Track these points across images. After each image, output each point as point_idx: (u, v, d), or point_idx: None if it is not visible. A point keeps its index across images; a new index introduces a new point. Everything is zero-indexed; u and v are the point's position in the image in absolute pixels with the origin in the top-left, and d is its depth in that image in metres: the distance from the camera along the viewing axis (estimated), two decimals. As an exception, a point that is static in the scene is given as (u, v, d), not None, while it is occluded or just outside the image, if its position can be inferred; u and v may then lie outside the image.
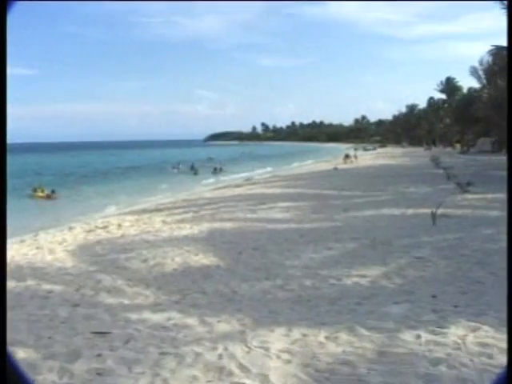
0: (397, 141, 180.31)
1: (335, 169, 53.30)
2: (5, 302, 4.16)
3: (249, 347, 7.00)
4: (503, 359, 6.42)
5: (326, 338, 7.28)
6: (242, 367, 6.37)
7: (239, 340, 7.29)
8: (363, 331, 7.46)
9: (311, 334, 7.45)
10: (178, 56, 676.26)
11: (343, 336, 7.32)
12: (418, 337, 7.20)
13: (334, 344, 7.06)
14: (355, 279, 10.87)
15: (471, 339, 7.14)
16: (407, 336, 7.23)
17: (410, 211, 20.20)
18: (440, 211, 17.73)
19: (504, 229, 15.84)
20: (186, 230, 17.89)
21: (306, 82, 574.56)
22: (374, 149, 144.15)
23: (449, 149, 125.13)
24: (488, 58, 75.16)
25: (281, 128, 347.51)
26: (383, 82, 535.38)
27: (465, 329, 7.55)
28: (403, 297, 9.59)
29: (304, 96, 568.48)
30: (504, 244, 14.09)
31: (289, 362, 6.52)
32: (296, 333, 7.51)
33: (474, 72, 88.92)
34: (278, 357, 6.67)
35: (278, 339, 7.27)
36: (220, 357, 6.71)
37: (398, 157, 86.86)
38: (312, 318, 8.33)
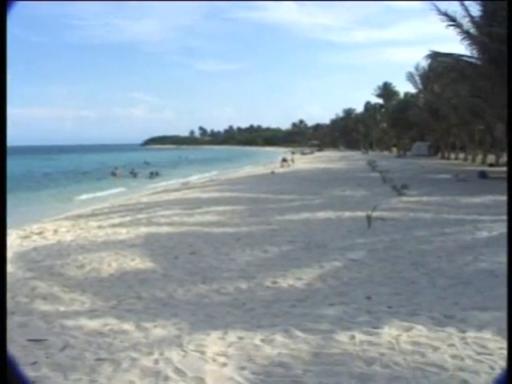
0: (334, 145, 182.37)
1: (272, 173, 53.32)
2: (5, 302, 4.12)
3: (185, 351, 7.00)
4: (435, 357, 6.59)
5: (262, 340, 7.33)
6: (178, 371, 6.37)
7: (175, 344, 7.28)
8: (298, 333, 7.53)
9: (247, 336, 7.49)
10: (116, 59, 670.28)
11: (279, 338, 7.38)
12: (353, 337, 7.31)
13: (269, 346, 7.11)
14: (291, 282, 10.98)
15: (404, 339, 7.29)
16: (342, 337, 7.33)
17: (346, 214, 20.39)
18: (375, 214, 17.97)
19: (437, 230, 16.23)
20: (123, 234, 17.75)
21: (243, 86, 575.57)
22: (312, 153, 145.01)
23: (385, 152, 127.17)
24: (424, 64, 76.60)
25: (219, 132, 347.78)
26: (321, 86, 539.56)
27: (398, 329, 7.69)
28: (338, 298, 9.72)
29: (242, 100, 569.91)
30: (437, 245, 14.42)
31: (225, 365, 6.55)
32: (232, 336, 7.55)
33: (410, 77, 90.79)
34: (214, 360, 6.69)
35: (214, 343, 7.29)
36: (156, 361, 6.70)
37: (335, 160, 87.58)
38: (248, 321, 8.38)
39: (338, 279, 11.20)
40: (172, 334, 7.87)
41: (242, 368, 6.43)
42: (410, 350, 6.88)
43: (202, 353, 6.93)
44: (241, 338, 7.44)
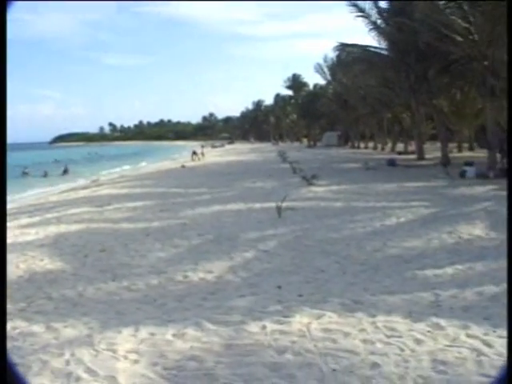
0: (245, 137, 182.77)
1: (183, 167, 53.04)
2: (5, 302, 4.04)
3: (96, 350, 6.91)
4: (346, 342, 6.70)
5: (174, 335, 7.31)
6: (89, 371, 6.29)
7: (86, 344, 7.17)
8: (210, 326, 7.54)
9: (159, 332, 7.44)
10: (20, 55, 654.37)
11: (190, 332, 7.37)
12: (264, 327, 7.37)
13: (181, 341, 7.10)
14: (201, 275, 10.98)
15: (315, 326, 7.40)
16: (253, 327, 7.38)
17: (257, 206, 20.41)
18: (286, 204, 18.08)
19: (347, 218, 16.47)
20: (31, 235, 17.34)
21: (153, 80, 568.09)
22: (222, 145, 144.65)
23: (296, 143, 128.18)
24: (333, 55, 77.87)
25: (128, 127, 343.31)
26: (231, 79, 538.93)
27: (309, 316, 7.79)
28: (249, 290, 9.79)
29: (151, 95, 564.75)
30: (347, 232, 14.64)
31: (137, 362, 6.50)
32: (143, 332, 7.48)
33: (318, 69, 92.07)
34: (126, 358, 6.63)
35: (125, 340, 7.22)
36: (67, 363, 6.59)
37: (246, 153, 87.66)
38: (159, 317, 8.33)
39: (249, 270, 11.27)
40: (83, 333, 7.75)
41: (154, 364, 6.40)
42: (321, 336, 6.98)
43: (114, 351, 6.85)
44: (152, 334, 7.39)
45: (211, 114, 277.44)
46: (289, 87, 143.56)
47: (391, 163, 41.23)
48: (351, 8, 40.80)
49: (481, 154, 43.85)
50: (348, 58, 49.23)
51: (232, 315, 8.05)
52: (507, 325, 6.28)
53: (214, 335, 7.20)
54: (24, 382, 5.23)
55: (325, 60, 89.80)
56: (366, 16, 40.85)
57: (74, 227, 18.36)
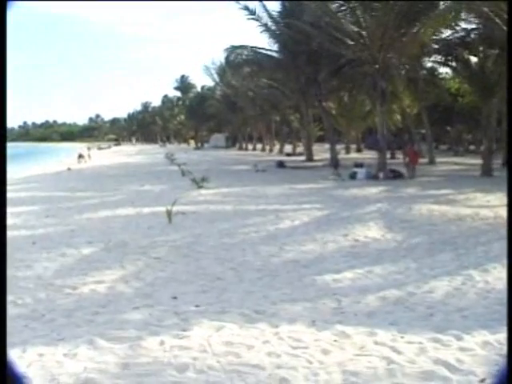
0: (132, 139, 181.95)
1: (69, 169, 51.69)
2: (5, 302, 3.67)
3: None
4: (250, 356, 6.37)
5: (65, 355, 6.68)
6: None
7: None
8: (104, 343, 6.97)
9: (48, 352, 6.79)
10: None
11: (83, 351, 6.76)
12: (162, 343, 6.90)
13: (73, 361, 6.50)
14: (92, 286, 10.33)
15: (216, 339, 7.02)
16: (150, 343, 6.89)
17: (146, 210, 19.85)
18: (176, 208, 17.65)
19: (240, 222, 16.20)
20: None
21: (38, 80, 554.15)
22: (109, 147, 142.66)
23: (184, 145, 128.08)
24: (222, 57, 78.29)
25: (12, 128, 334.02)
26: (119, 80, 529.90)
27: (209, 329, 7.42)
28: (143, 301, 9.29)
29: (36, 95, 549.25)
30: (240, 237, 14.38)
31: (25, 388, 5.94)
32: (31, 353, 6.81)
33: (206, 70, 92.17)
34: (12, 384, 6.06)
35: (11, 363, 6.63)
36: None
37: (134, 154, 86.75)
38: (48, 335, 7.65)
39: (142, 280, 10.79)
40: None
41: (44, 390, 5.85)
42: (223, 351, 6.61)
43: (-1, 377, 6.24)
44: (41, 355, 6.73)
45: (98, 115, 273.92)
46: (177, 88, 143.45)
47: (280, 165, 41.58)
48: (243, 12, 41.06)
49: (368, 155, 44.59)
50: (237, 59, 49.41)
51: (127, 330, 7.50)
52: (507, 324, 6.05)
53: (108, 354, 6.64)
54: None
55: (212, 62, 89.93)
56: (257, 18, 41.09)
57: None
